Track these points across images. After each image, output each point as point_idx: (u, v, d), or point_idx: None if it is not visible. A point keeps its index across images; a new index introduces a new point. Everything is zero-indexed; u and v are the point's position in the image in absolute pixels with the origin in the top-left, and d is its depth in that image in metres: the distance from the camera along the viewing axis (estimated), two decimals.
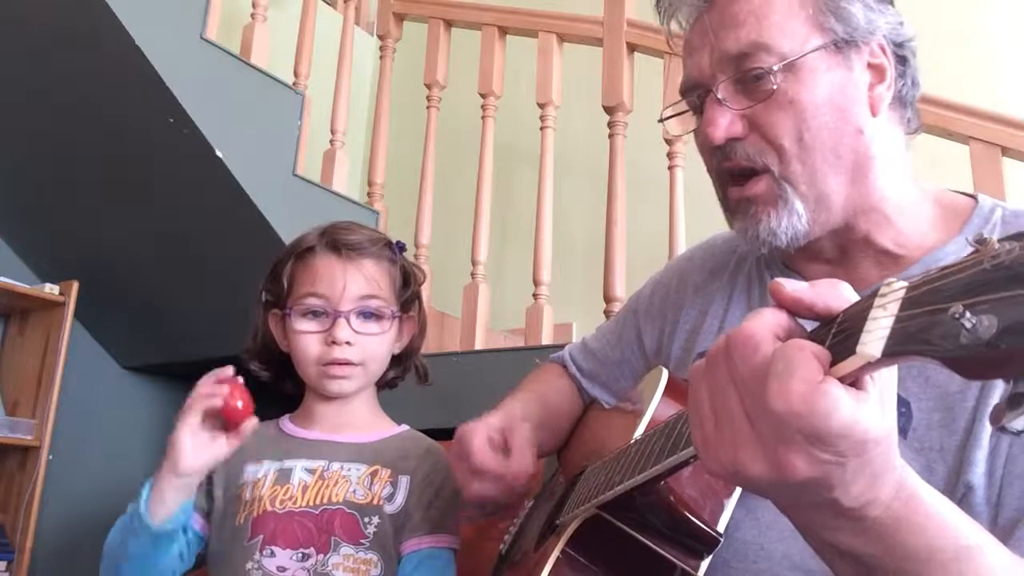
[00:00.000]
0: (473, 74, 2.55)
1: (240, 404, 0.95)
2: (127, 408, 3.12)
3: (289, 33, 2.61)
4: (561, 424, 1.04)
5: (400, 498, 1.05)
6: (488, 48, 2.54)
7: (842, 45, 0.76)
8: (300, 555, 1.01)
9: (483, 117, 2.49)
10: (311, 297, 1.08)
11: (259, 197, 2.18)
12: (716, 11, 0.79)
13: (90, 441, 2.94)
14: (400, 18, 2.85)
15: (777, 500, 0.51)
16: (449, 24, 2.69)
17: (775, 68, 0.75)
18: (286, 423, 1.13)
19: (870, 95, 0.77)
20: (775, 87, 0.75)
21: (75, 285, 2.62)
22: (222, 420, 0.96)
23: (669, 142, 2.09)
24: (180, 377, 3.20)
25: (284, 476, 1.05)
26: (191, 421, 0.95)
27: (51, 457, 2.55)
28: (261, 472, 1.06)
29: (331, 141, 2.61)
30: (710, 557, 0.70)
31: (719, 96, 0.77)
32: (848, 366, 0.42)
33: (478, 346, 2.27)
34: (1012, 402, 0.37)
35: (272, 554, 1.01)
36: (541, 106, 2.41)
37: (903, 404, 0.71)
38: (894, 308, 0.40)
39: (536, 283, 2.24)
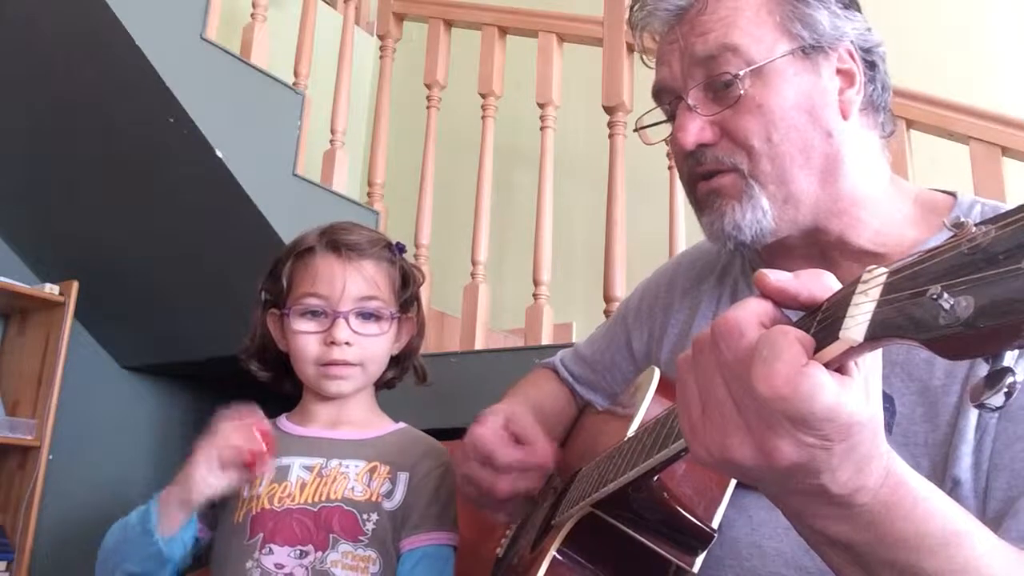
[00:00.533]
0: (473, 74, 2.55)
1: (264, 447, 0.98)
2: (127, 408, 3.12)
3: (289, 33, 2.61)
4: (556, 427, 1.03)
5: (399, 495, 1.05)
6: (488, 48, 2.54)
7: (809, 51, 0.77)
8: (298, 552, 1.00)
9: (483, 117, 2.49)
10: (310, 297, 1.08)
11: (259, 197, 2.18)
12: (687, 22, 0.80)
13: (90, 441, 2.94)
14: (400, 18, 2.85)
15: (766, 488, 0.52)
16: (449, 24, 2.69)
17: (743, 73, 0.76)
18: (283, 421, 1.13)
19: (840, 99, 0.78)
20: (743, 92, 0.76)
21: (75, 285, 2.62)
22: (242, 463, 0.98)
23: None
24: (180, 377, 3.21)
25: (281, 473, 1.05)
26: (212, 461, 0.97)
27: (51, 457, 2.55)
28: None
29: (331, 141, 2.61)
30: (704, 553, 0.70)
31: (689, 102, 0.79)
32: (832, 351, 0.43)
33: (478, 346, 2.27)
34: (990, 380, 0.38)
35: (270, 552, 1.01)
36: (541, 106, 2.41)
37: (887, 400, 0.71)
38: (875, 293, 0.41)
39: (536, 283, 2.24)
